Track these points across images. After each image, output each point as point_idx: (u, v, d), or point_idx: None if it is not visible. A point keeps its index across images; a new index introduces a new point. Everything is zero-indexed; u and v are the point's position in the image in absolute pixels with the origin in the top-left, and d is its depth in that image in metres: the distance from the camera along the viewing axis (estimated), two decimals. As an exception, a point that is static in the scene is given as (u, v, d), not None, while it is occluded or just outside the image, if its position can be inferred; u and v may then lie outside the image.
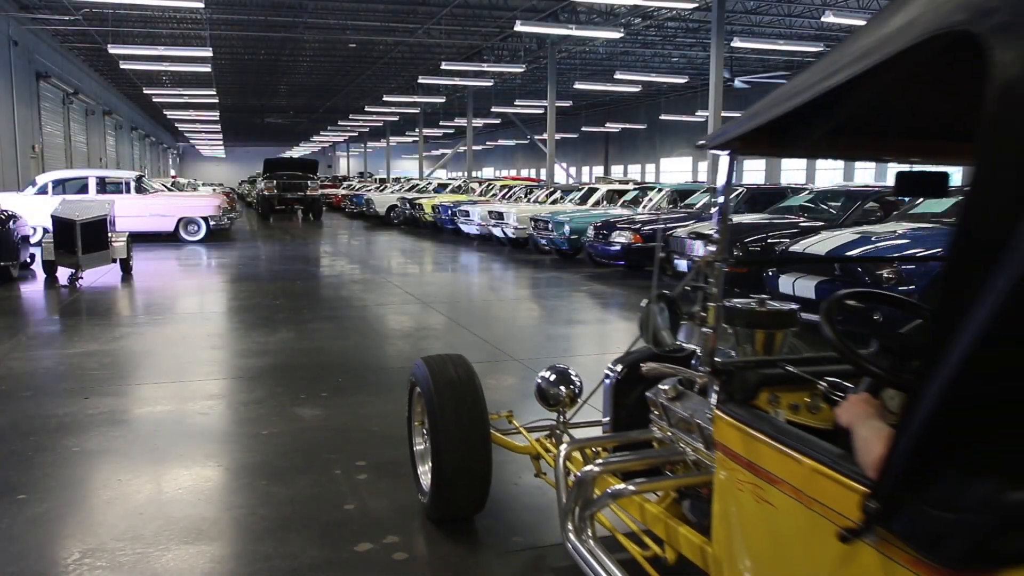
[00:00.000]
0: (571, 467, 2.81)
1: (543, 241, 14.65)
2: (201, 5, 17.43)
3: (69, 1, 21.18)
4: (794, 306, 2.37)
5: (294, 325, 7.90)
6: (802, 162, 36.50)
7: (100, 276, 11.55)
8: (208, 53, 22.21)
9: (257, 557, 3.04)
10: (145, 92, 34.27)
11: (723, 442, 1.99)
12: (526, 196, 19.64)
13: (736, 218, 10.31)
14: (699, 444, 2.34)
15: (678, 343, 2.37)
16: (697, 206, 13.07)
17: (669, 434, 2.56)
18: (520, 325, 8.27)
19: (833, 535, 1.47)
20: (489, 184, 24.77)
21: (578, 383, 3.29)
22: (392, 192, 28.10)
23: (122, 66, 26.15)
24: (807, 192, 11.54)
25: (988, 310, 1.11)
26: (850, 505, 1.42)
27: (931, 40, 1.27)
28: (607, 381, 3.00)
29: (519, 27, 19.52)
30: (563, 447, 2.78)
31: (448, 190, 26.33)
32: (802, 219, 9.79)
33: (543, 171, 33.99)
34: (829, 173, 35.89)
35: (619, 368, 2.97)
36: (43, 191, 16.17)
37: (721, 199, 2.13)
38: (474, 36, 27.99)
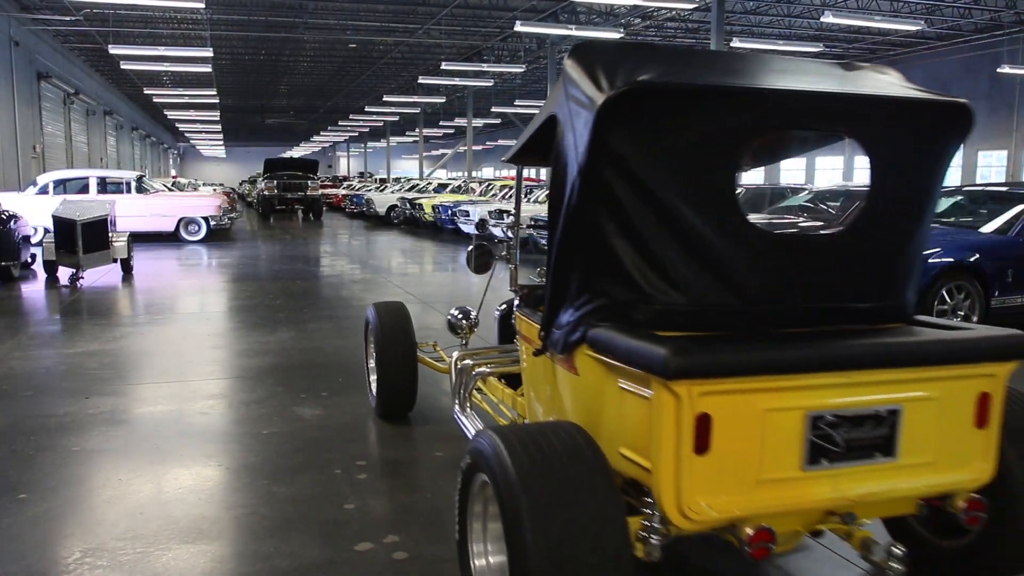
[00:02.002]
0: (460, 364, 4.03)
1: (543, 241, 14.66)
2: (201, 5, 17.45)
3: (70, 1, 21.20)
4: None
5: (294, 325, 7.91)
6: (802, 162, 36.53)
7: (101, 276, 11.56)
8: (208, 53, 22.23)
9: (258, 557, 3.05)
10: (146, 92, 34.32)
11: (520, 330, 3.20)
12: (526, 196, 19.65)
13: None
14: None
15: (489, 272, 3.94)
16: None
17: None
18: (520, 325, 8.28)
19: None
20: (489, 184, 24.77)
21: (475, 318, 4.59)
22: (392, 192, 28.10)
23: (123, 66, 26.18)
24: (806, 192, 11.55)
25: (556, 236, 2.44)
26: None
27: (549, 119, 2.56)
28: (496, 314, 4.45)
29: (519, 27, 19.54)
30: (455, 353, 4.10)
31: (448, 190, 26.33)
32: (801, 219, 9.78)
33: (543, 171, 33.98)
34: (828, 173, 35.90)
35: (503, 306, 4.40)
36: (44, 191, 16.18)
37: (513, 192, 3.58)
38: (474, 36, 28.01)
